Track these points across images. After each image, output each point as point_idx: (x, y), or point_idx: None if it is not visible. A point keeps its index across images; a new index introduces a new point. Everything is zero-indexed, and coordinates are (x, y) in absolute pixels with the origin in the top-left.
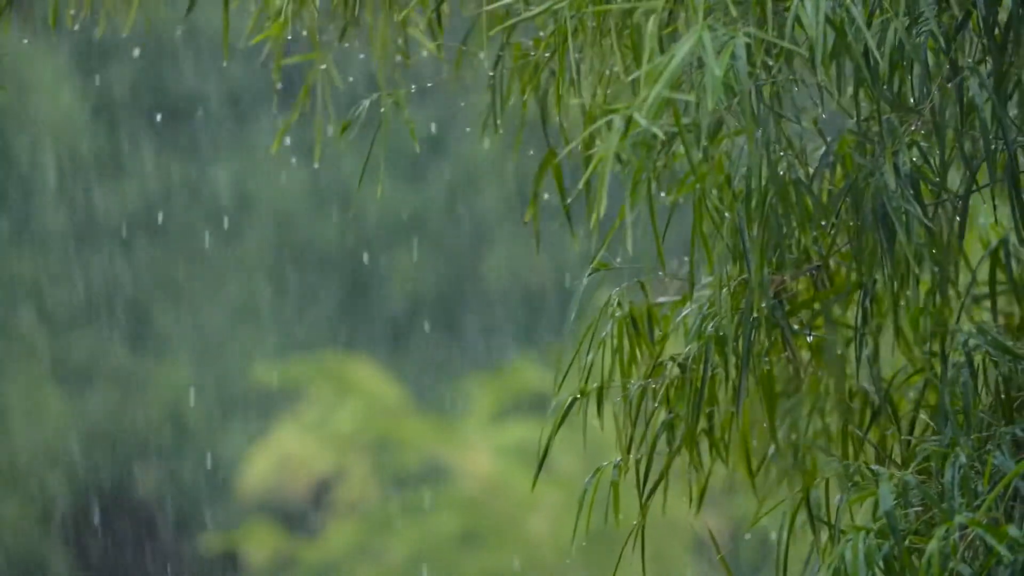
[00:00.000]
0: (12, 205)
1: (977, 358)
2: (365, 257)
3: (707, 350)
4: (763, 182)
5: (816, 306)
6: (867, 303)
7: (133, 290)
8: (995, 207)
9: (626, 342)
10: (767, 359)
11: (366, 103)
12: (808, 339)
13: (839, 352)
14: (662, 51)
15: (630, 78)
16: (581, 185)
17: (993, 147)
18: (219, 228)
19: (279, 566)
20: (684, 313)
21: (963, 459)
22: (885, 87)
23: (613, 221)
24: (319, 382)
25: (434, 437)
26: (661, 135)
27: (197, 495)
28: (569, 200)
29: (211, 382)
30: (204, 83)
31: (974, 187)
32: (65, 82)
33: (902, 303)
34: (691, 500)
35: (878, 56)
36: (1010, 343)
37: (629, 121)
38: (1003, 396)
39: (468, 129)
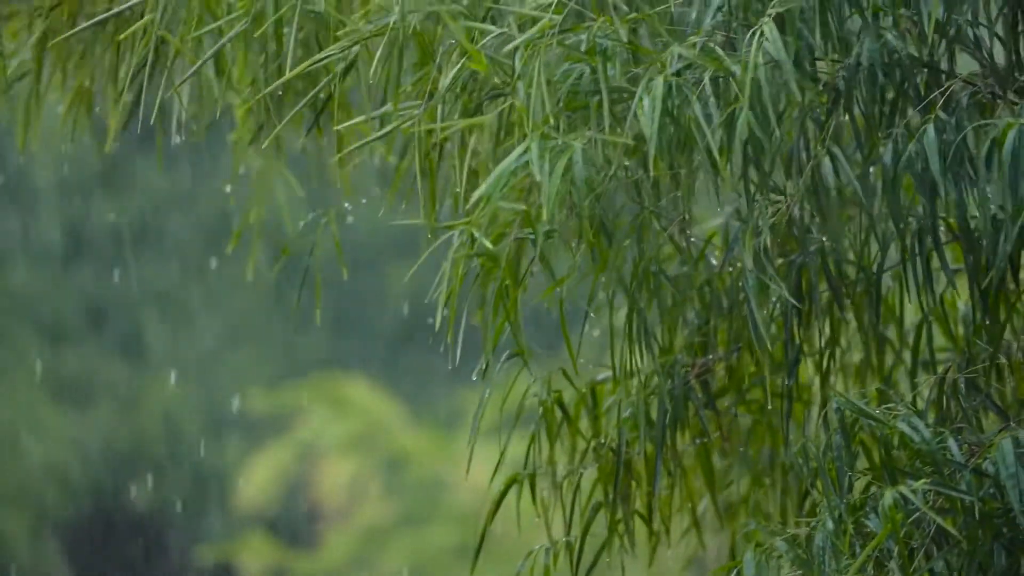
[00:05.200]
0: (7, 218)
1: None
2: (357, 274)
3: (620, 434)
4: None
5: (739, 388)
6: (791, 380)
7: (129, 305)
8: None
9: (555, 427)
10: (690, 441)
11: (300, 224)
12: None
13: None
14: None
15: (474, 193)
16: (441, 301)
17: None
18: (215, 244)
19: None
20: (611, 400)
21: (830, 525)
22: (751, 168)
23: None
24: (314, 396)
25: (431, 451)
26: (492, 248)
27: (193, 508)
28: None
29: (207, 397)
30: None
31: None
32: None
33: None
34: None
35: (715, 151)
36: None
37: (472, 236)
38: (883, 459)
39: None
